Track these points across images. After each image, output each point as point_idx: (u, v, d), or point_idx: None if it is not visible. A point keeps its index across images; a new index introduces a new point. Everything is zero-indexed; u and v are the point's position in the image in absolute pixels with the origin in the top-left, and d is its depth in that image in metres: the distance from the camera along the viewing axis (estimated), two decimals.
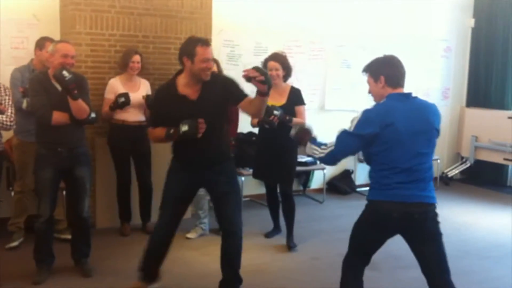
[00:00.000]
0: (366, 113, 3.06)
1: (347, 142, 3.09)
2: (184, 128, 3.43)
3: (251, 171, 6.08)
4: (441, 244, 3.12)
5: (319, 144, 3.23)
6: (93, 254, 4.39)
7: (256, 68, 3.37)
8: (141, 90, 5.22)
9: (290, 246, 5.09)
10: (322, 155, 3.18)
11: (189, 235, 5.24)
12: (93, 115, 4.13)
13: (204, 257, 4.76)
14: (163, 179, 3.80)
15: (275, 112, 4.68)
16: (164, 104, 3.63)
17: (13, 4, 5.30)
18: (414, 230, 3.09)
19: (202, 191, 5.17)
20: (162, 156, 5.45)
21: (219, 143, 3.71)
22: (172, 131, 3.53)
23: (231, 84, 3.66)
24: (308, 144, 3.28)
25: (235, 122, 5.27)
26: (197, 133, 3.44)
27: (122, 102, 5.01)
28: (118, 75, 5.24)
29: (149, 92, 5.25)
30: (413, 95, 3.13)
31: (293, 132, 3.40)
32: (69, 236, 4.52)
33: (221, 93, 3.60)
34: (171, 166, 3.81)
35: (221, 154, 3.75)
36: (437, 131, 3.14)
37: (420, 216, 3.04)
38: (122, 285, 4.04)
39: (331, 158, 3.17)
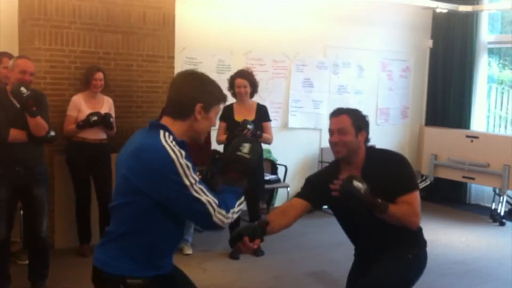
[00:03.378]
0: None
1: None
2: None
3: None
4: None
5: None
6: (51, 275, 4.25)
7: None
8: (104, 107, 5.13)
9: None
10: None
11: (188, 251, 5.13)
12: (52, 133, 4.04)
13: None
14: None
15: (249, 126, 4.72)
16: None
17: None
18: None
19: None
20: None
21: (381, 231, 2.89)
22: None
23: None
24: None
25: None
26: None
27: (95, 121, 4.92)
28: (79, 92, 5.15)
29: (112, 109, 5.20)
30: (162, 132, 2.14)
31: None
32: (25, 262, 4.38)
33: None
34: None
35: (385, 246, 2.93)
36: (125, 178, 2.15)
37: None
38: None
39: None
